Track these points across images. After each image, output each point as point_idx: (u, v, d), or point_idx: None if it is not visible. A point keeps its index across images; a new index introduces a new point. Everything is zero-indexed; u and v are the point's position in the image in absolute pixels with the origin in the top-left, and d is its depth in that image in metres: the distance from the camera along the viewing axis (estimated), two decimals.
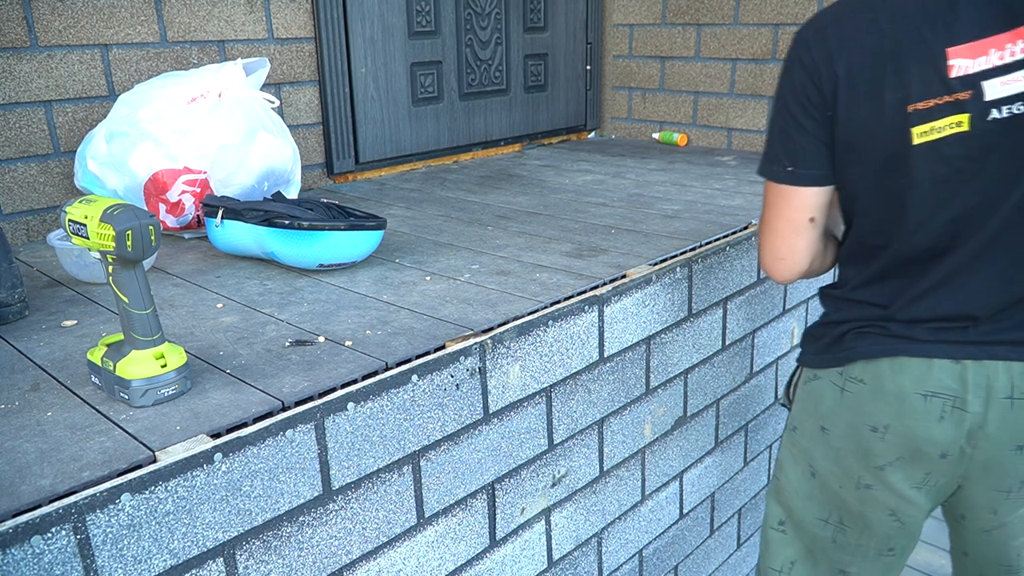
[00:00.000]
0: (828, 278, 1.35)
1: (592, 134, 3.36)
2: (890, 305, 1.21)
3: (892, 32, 1.11)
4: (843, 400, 1.26)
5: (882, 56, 1.11)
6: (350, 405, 1.11)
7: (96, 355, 1.10)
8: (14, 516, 0.84)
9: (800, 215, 1.23)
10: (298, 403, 1.08)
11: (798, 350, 1.40)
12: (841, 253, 1.31)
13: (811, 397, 1.32)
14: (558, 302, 1.44)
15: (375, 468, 1.17)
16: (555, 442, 1.48)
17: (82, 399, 1.09)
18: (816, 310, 2.23)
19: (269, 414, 1.05)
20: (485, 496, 1.36)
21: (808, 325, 1.41)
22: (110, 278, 1.04)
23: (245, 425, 1.03)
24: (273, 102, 1.92)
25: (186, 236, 1.89)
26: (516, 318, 1.36)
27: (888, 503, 1.27)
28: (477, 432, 1.31)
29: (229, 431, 1.01)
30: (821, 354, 1.30)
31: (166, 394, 1.07)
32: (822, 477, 1.33)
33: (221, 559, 1.01)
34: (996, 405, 1.15)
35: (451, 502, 1.30)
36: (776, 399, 2.17)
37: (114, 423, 1.03)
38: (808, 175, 1.21)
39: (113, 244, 0.99)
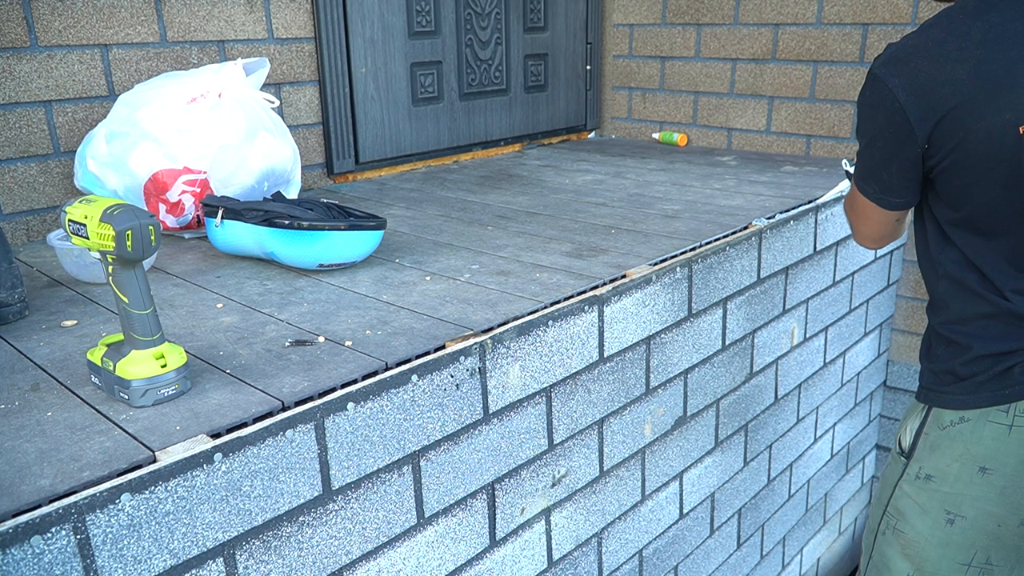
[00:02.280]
0: (954, 311, 1.27)
1: (592, 134, 3.36)
2: None
3: (989, 56, 1.09)
4: (1012, 437, 1.21)
5: (984, 81, 1.09)
6: (350, 405, 1.11)
7: (96, 355, 1.10)
8: (14, 516, 0.84)
9: (888, 219, 1.34)
10: (298, 403, 1.08)
11: (924, 394, 1.31)
12: (954, 271, 1.25)
13: (958, 441, 1.26)
14: (558, 302, 1.44)
15: (375, 468, 1.17)
16: (555, 442, 1.48)
17: (82, 399, 1.09)
18: (817, 311, 2.23)
19: (269, 414, 1.05)
20: (485, 496, 1.36)
21: (930, 364, 1.32)
22: (110, 278, 1.04)
23: (245, 425, 1.03)
24: (273, 102, 1.92)
25: (186, 236, 1.89)
26: (516, 318, 1.36)
27: None
28: (477, 432, 1.31)
29: (229, 431, 1.01)
30: (974, 393, 1.23)
31: (166, 394, 1.07)
32: (971, 520, 1.27)
33: (221, 559, 1.01)
34: None
35: (451, 502, 1.30)
36: (776, 399, 2.17)
37: (114, 423, 1.03)
38: (896, 202, 1.28)
39: (113, 244, 0.99)
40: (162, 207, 1.80)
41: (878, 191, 1.28)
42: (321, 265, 1.60)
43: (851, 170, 1.76)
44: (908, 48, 1.16)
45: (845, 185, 1.90)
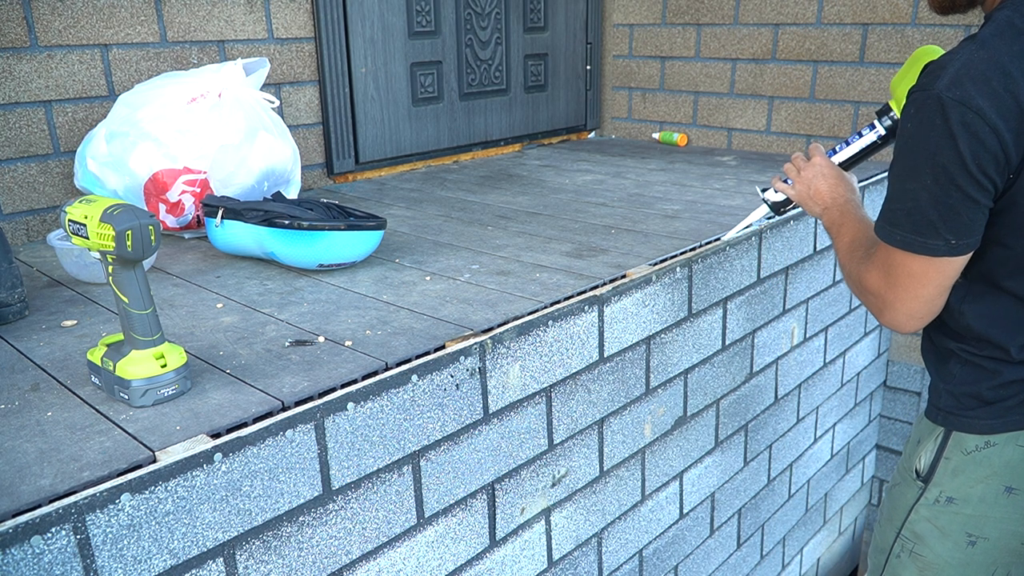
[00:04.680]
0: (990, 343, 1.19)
1: (592, 134, 3.36)
2: None
3: None
4: None
5: None
6: (350, 405, 1.11)
7: (96, 355, 1.10)
8: (14, 516, 0.84)
9: (951, 280, 1.14)
10: (298, 403, 1.08)
11: (943, 417, 1.26)
12: (979, 326, 1.19)
13: (984, 465, 1.22)
14: (558, 302, 1.44)
15: (375, 468, 1.17)
16: (555, 442, 1.48)
17: (82, 399, 1.09)
18: (817, 311, 2.23)
19: (269, 414, 1.05)
20: (485, 496, 1.36)
21: (947, 385, 1.25)
22: (110, 278, 1.04)
23: (245, 425, 1.03)
24: (273, 102, 1.92)
25: (186, 236, 1.89)
26: (516, 318, 1.36)
27: None
28: (477, 432, 1.31)
29: (229, 431, 1.01)
30: (1002, 417, 1.20)
31: (166, 394, 1.07)
32: (994, 541, 1.25)
33: (221, 559, 1.01)
34: None
35: (451, 502, 1.30)
36: (776, 399, 2.17)
37: (114, 423, 1.03)
38: (971, 243, 1.09)
39: (113, 244, 0.99)
40: (162, 207, 1.80)
41: (953, 238, 1.08)
42: (321, 265, 1.60)
43: (772, 197, 1.58)
44: (980, 64, 1.02)
45: (761, 213, 1.67)
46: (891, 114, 1.40)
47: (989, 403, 1.20)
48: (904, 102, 1.15)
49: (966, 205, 1.06)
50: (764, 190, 1.61)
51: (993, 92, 1.01)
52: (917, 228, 1.09)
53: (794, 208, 1.60)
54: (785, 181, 1.53)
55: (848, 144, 1.47)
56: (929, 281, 1.13)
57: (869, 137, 1.45)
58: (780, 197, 1.58)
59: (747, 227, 1.78)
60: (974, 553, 1.27)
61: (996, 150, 1.02)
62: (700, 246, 1.76)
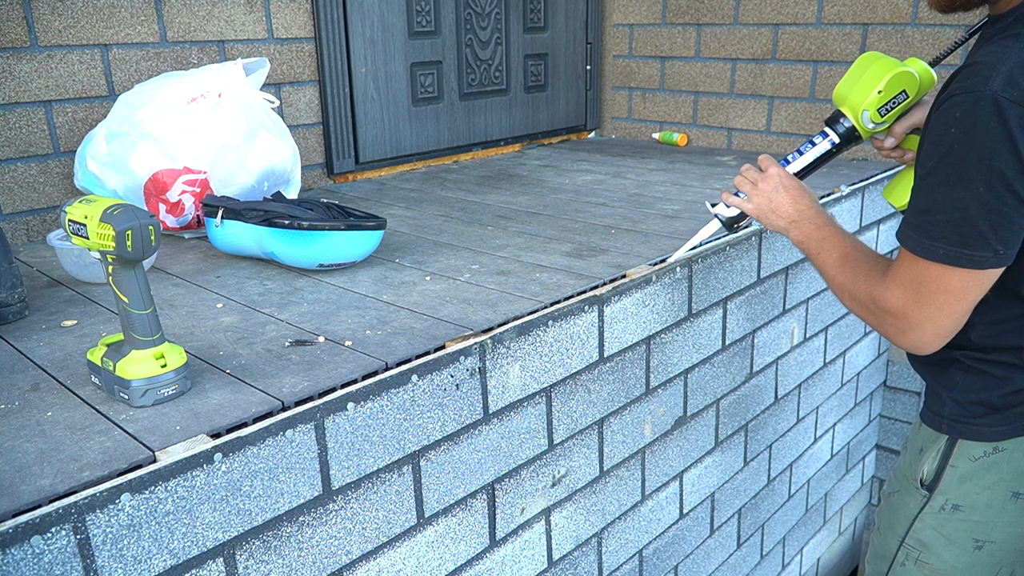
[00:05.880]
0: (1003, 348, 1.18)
1: (592, 134, 3.36)
2: None
3: None
4: None
5: None
6: (350, 405, 1.11)
7: (96, 355, 1.10)
8: (14, 516, 0.84)
9: (983, 293, 1.09)
10: (298, 403, 1.08)
11: (948, 425, 1.23)
12: (1013, 317, 1.16)
13: (992, 470, 1.21)
14: (558, 302, 1.44)
15: (375, 468, 1.17)
16: (555, 442, 1.48)
17: (82, 399, 1.09)
18: (817, 311, 2.23)
19: (269, 414, 1.05)
20: (485, 496, 1.36)
21: (951, 393, 1.22)
22: (110, 278, 1.04)
23: (245, 425, 1.03)
24: (273, 102, 1.92)
25: (186, 236, 1.89)
26: (516, 318, 1.36)
27: None
28: (477, 432, 1.31)
29: (229, 431, 1.01)
30: (1011, 423, 1.19)
31: (166, 394, 1.07)
32: (1000, 544, 1.25)
33: (221, 559, 1.01)
34: None
35: (451, 502, 1.30)
36: (776, 399, 2.17)
37: (114, 423, 1.03)
38: (1014, 253, 1.05)
39: (113, 244, 0.99)
40: (162, 207, 1.80)
41: (1002, 248, 1.03)
42: (321, 265, 1.60)
43: (725, 213, 1.47)
44: None
45: (712, 229, 1.52)
46: (843, 120, 1.35)
47: (998, 410, 1.19)
48: (934, 106, 1.11)
49: (1019, 211, 1.01)
50: (714, 204, 1.51)
51: None
52: (964, 239, 1.03)
53: (748, 224, 1.53)
54: (736, 194, 1.45)
55: (801, 153, 1.41)
56: (967, 296, 1.07)
57: (823, 145, 1.39)
58: (734, 212, 1.47)
59: (696, 245, 1.65)
60: (980, 556, 1.27)
61: None
62: (700, 246, 1.76)
